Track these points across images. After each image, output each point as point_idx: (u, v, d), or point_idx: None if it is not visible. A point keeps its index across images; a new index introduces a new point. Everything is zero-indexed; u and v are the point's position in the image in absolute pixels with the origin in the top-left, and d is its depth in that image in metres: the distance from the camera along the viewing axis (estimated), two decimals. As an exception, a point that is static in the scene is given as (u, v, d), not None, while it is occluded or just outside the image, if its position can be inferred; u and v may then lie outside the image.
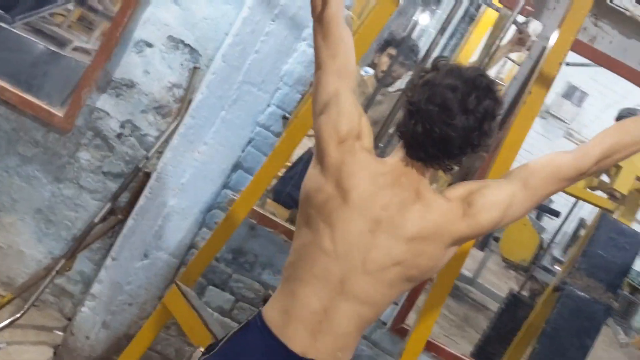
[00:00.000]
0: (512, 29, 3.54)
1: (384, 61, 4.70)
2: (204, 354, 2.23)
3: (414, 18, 5.55)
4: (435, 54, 3.74)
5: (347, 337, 2.07)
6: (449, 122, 2.00)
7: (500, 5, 4.30)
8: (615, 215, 5.59)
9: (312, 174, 2.13)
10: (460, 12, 3.93)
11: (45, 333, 3.72)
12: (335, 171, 2.06)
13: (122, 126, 3.70)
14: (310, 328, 2.03)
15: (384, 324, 3.76)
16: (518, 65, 8.00)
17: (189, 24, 3.64)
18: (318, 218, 2.06)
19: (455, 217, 2.05)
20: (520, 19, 3.74)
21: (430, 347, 3.72)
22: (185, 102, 3.66)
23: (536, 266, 6.82)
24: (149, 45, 3.65)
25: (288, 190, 4.37)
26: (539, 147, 10.95)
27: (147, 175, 3.67)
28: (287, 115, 3.67)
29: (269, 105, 3.67)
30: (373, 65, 4.83)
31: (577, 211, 6.89)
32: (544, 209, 6.96)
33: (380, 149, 3.96)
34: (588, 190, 5.71)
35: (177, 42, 3.65)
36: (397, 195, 2.04)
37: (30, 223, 3.79)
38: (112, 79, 3.66)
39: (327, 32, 2.18)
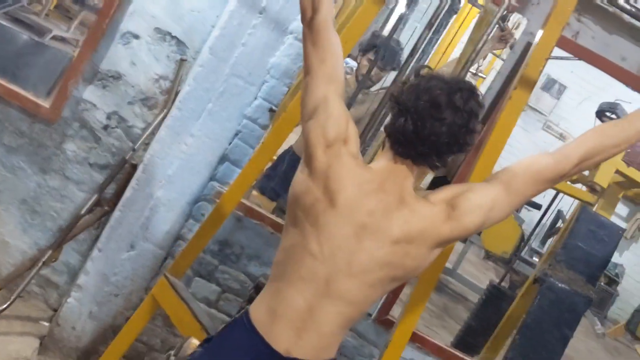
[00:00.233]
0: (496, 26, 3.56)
1: (364, 64, 4.75)
2: (199, 346, 2.26)
3: (398, 12, 5.56)
4: (421, 48, 3.76)
5: (330, 336, 2.12)
6: (439, 116, 2.07)
7: (482, 3, 4.34)
8: (595, 208, 5.68)
9: (300, 177, 2.17)
10: (446, 5, 3.95)
11: (31, 324, 3.72)
12: (323, 175, 2.11)
13: (109, 118, 3.69)
14: (295, 327, 2.08)
15: (369, 315, 3.79)
16: (498, 57, 8.07)
17: (175, 16, 3.64)
18: (305, 220, 2.11)
19: (439, 221, 2.11)
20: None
21: (414, 338, 3.76)
22: (172, 94, 3.67)
23: (518, 259, 6.90)
24: (136, 36, 3.65)
25: (272, 185, 4.41)
26: (518, 139, 11.04)
27: (134, 167, 3.67)
28: (273, 108, 3.69)
29: (255, 98, 3.68)
30: (357, 65, 4.88)
31: (555, 203, 6.96)
32: (532, 204, 7.03)
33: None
34: (568, 183, 5.78)
35: (163, 34, 3.65)
36: (382, 201, 2.10)
37: (15, 214, 3.78)
38: (99, 70, 3.66)
39: (317, 38, 2.22)
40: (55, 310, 3.81)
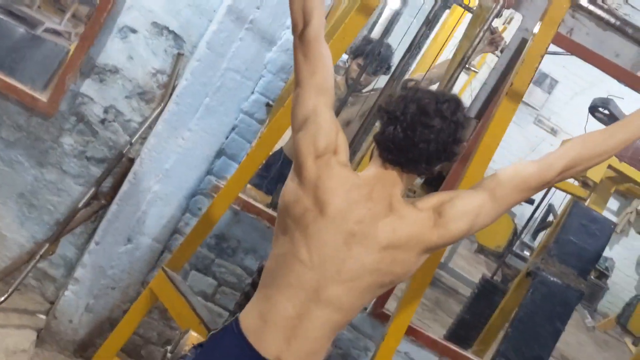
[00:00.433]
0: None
1: (354, 69, 4.77)
2: (190, 351, 2.29)
3: (388, 12, 5.57)
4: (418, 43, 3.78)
5: (319, 341, 2.17)
6: (428, 124, 2.14)
7: (467, 2, 4.38)
8: (587, 203, 5.72)
9: (290, 186, 2.22)
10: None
11: (28, 317, 3.74)
12: (313, 185, 2.15)
13: (106, 112, 3.71)
14: (285, 333, 2.12)
15: (365, 308, 3.82)
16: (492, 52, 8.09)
17: (173, 11, 3.65)
18: (295, 229, 2.16)
19: (426, 227, 2.17)
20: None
21: (409, 331, 3.79)
22: (169, 88, 3.68)
23: (510, 252, 6.94)
24: (133, 31, 3.66)
25: (267, 183, 4.43)
26: (509, 133, 11.03)
27: (131, 161, 3.69)
28: (270, 102, 3.71)
29: (252, 93, 3.70)
30: (346, 69, 4.89)
31: (547, 198, 7.00)
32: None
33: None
34: (560, 178, 5.81)
35: (161, 29, 3.67)
36: (370, 210, 2.14)
37: (13, 207, 3.79)
38: (96, 64, 3.67)
39: (308, 50, 2.25)
40: (52, 303, 3.83)
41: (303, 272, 2.13)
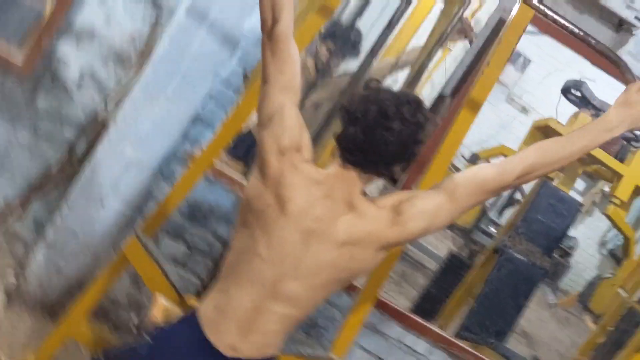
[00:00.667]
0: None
1: (323, 52, 4.76)
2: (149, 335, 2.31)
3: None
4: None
5: (274, 335, 2.21)
6: (388, 126, 2.16)
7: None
8: (555, 183, 5.80)
9: (253, 182, 2.24)
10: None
11: (-3, 277, 3.75)
12: (275, 182, 2.18)
13: (82, 74, 3.69)
14: (241, 326, 2.16)
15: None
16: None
17: (151, -25, 3.64)
18: (256, 224, 2.19)
19: (384, 225, 2.19)
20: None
21: (377, 303, 3.85)
22: (146, 54, 3.67)
23: (478, 229, 7.03)
24: (112, -6, 3.64)
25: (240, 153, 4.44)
26: (481, 111, 11.14)
27: (105, 125, 3.68)
28: (247, 73, 3.72)
29: (230, 62, 3.70)
30: (316, 51, 4.88)
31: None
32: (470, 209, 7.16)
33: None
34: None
35: (139, -7, 3.65)
36: (329, 208, 2.17)
37: (-16, 167, 3.78)
38: (73, 27, 3.64)
39: (276, 48, 2.26)
40: (22, 265, 3.83)
41: (261, 267, 2.16)
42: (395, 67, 4.79)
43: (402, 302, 6.35)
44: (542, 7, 2.68)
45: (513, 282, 4.84)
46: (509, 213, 8.55)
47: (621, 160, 5.97)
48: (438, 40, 3.37)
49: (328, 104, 4.65)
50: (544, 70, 11.97)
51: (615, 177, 6.17)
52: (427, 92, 9.72)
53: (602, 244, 13.55)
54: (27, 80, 3.66)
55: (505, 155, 5.91)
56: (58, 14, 3.57)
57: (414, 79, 3.70)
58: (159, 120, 3.66)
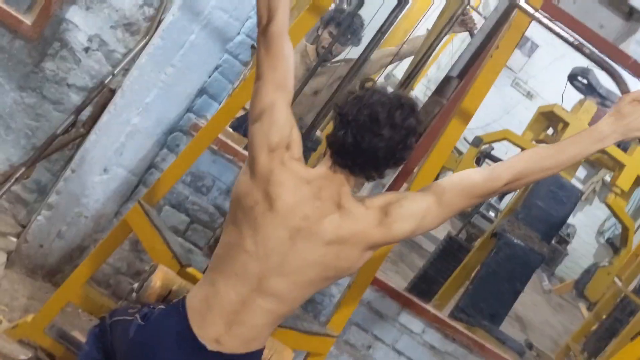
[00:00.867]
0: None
1: (325, 37, 4.75)
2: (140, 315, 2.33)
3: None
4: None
5: (259, 328, 2.25)
6: (377, 132, 2.18)
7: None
8: (557, 169, 5.79)
9: (243, 179, 2.26)
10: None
11: (-2, 238, 3.76)
12: (264, 179, 2.20)
13: (90, 40, 3.68)
14: (226, 318, 2.20)
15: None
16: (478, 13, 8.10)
17: (163, -58, 3.62)
18: (244, 220, 2.21)
19: (371, 225, 2.22)
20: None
21: (373, 281, 3.87)
22: (155, 21, 3.66)
23: (477, 213, 7.05)
24: (123, -40, 3.62)
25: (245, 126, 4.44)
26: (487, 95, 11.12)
27: (112, 92, 3.68)
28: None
29: (238, 34, 3.70)
30: (317, 37, 4.87)
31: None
32: (492, 159, 7.17)
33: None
34: (533, 142, 5.90)
35: (151, -40, 3.63)
36: (317, 207, 2.20)
37: (-11, 128, 3.78)
38: (83, -8, 3.63)
39: (270, 46, 2.29)
40: (24, 227, 3.84)
41: (248, 262, 2.19)
42: (397, 57, 4.79)
43: (399, 281, 6.39)
44: (537, 14, 2.68)
45: (510, 266, 4.88)
46: (509, 198, 8.58)
47: (624, 150, 5.98)
48: (440, 32, 3.37)
49: (328, 90, 4.65)
50: (551, 56, 11.93)
51: (617, 166, 6.17)
52: (432, 72, 9.73)
53: (600, 232, 13.60)
54: (35, 45, 3.65)
55: (509, 140, 5.91)
56: (68, -22, 3.56)
57: (416, 68, 3.68)
58: (165, 90, 3.66)
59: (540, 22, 2.85)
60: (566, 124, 5.51)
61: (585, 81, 5.43)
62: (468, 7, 3.89)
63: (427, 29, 4.90)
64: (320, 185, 2.22)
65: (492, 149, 7.30)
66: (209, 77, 3.75)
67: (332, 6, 4.78)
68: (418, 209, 2.25)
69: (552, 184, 4.99)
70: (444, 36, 3.41)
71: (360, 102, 2.20)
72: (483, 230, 6.43)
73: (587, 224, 13.39)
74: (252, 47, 3.71)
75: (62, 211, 3.72)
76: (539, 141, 5.90)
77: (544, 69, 12.37)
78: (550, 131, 6.00)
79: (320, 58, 4.54)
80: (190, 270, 2.91)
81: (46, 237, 3.74)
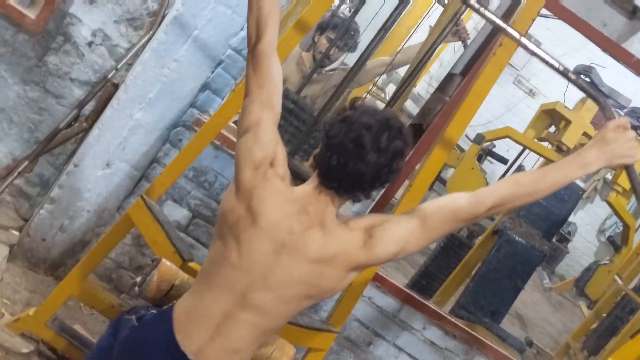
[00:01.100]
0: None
1: (323, 43, 4.74)
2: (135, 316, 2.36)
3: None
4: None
5: (242, 341, 2.25)
6: (362, 158, 2.17)
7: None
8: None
9: (228, 195, 2.28)
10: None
11: (0, 231, 3.75)
12: (248, 194, 2.21)
13: (94, 34, 3.68)
14: (210, 329, 2.21)
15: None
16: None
17: (167, -62, 3.62)
18: (229, 235, 2.23)
19: (354, 247, 2.22)
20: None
21: (375, 277, 3.88)
22: (159, 16, 3.66)
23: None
24: (126, -46, 3.62)
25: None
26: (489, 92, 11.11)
27: (115, 87, 3.69)
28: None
29: (242, 29, 3.70)
30: (313, 43, 4.87)
31: (520, 159, 7.09)
32: (494, 156, 7.17)
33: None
34: (536, 140, 5.90)
35: (154, -45, 3.63)
36: (303, 223, 2.20)
37: (-7, 122, 3.79)
38: (87, -15, 3.63)
39: (258, 64, 2.32)
40: (26, 221, 3.85)
41: (232, 275, 2.21)
42: (390, 66, 4.80)
43: (399, 278, 6.39)
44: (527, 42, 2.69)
45: (511, 263, 4.89)
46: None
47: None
48: (434, 42, 3.39)
49: (323, 98, 4.65)
50: (554, 54, 11.86)
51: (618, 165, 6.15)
52: (435, 69, 9.74)
53: (601, 231, 13.60)
54: (38, 39, 3.65)
55: (510, 137, 5.90)
56: (73, -28, 3.56)
57: (411, 76, 3.69)
58: (168, 85, 3.67)
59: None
60: (568, 122, 5.50)
61: (587, 79, 5.42)
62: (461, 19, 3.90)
63: (430, 26, 4.92)
64: (305, 202, 2.22)
65: (494, 146, 7.30)
66: (212, 72, 3.75)
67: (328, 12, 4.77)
68: (402, 232, 2.25)
69: (554, 182, 4.99)
70: (438, 45, 3.42)
71: (347, 124, 2.20)
72: (484, 227, 6.42)
73: (588, 222, 13.39)
74: (256, 42, 3.71)
75: (65, 205, 3.73)
76: (541, 139, 5.90)
77: (545, 66, 12.34)
78: (552, 129, 5.99)
79: (317, 62, 4.53)
80: (192, 265, 2.92)
81: (48, 231, 3.75)
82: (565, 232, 12.15)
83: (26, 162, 3.67)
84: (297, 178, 2.52)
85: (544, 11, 3.84)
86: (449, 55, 8.77)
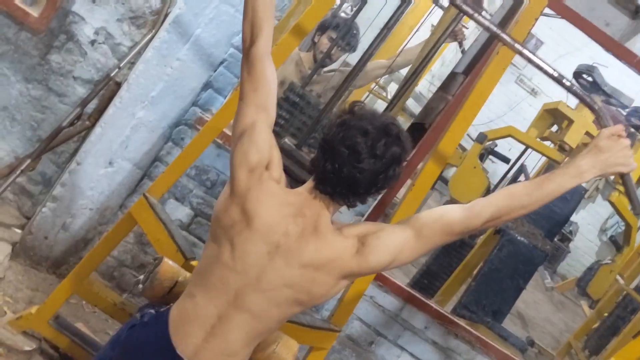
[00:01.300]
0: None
1: (324, 43, 4.72)
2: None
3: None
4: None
5: (237, 343, 2.24)
6: (356, 165, 2.16)
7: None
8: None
9: (223, 197, 2.28)
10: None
11: (3, 230, 3.76)
12: (242, 197, 2.21)
13: (96, 33, 3.68)
14: (204, 331, 2.21)
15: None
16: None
17: (170, -64, 3.62)
18: (223, 237, 2.22)
19: (347, 254, 2.21)
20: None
21: (377, 277, 3.89)
22: (161, 15, 3.67)
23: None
24: (129, -47, 3.63)
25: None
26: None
27: (118, 85, 3.69)
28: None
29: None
30: (313, 44, 4.86)
31: (523, 158, 7.08)
32: (496, 155, 7.15)
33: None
34: (538, 140, 5.89)
35: (157, -46, 3.63)
36: (298, 225, 2.20)
37: (-5, 120, 3.79)
38: (89, -16, 3.63)
39: (252, 68, 2.32)
40: (29, 219, 3.85)
41: (226, 276, 2.20)
42: (389, 69, 4.80)
43: (401, 277, 6.39)
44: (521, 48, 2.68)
45: (513, 263, 4.88)
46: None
47: (627, 148, 5.94)
48: (436, 42, 3.39)
49: (323, 98, 4.64)
50: (556, 53, 11.88)
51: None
52: (437, 68, 9.73)
53: (602, 230, 13.58)
54: (41, 37, 3.65)
55: (513, 137, 5.89)
56: (75, -30, 3.56)
57: (413, 75, 3.69)
58: (170, 83, 3.67)
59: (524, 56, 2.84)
60: (571, 122, 5.48)
61: (590, 78, 5.41)
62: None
63: (432, 25, 4.92)
64: (301, 205, 2.22)
65: (496, 145, 7.29)
66: (214, 71, 3.76)
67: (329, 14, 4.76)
68: (395, 242, 2.24)
69: (556, 182, 4.98)
70: (440, 45, 3.42)
71: (344, 129, 2.18)
72: (486, 226, 6.42)
73: (589, 222, 13.38)
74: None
75: (67, 203, 3.73)
76: (543, 138, 5.88)
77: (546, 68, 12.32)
78: (554, 128, 5.98)
79: (319, 62, 4.52)
80: (194, 263, 2.93)
81: (51, 229, 3.75)
82: (567, 231, 12.14)
83: (29, 160, 3.67)
84: (298, 181, 2.53)
85: (547, 10, 3.84)
86: (451, 54, 8.77)
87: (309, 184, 2.25)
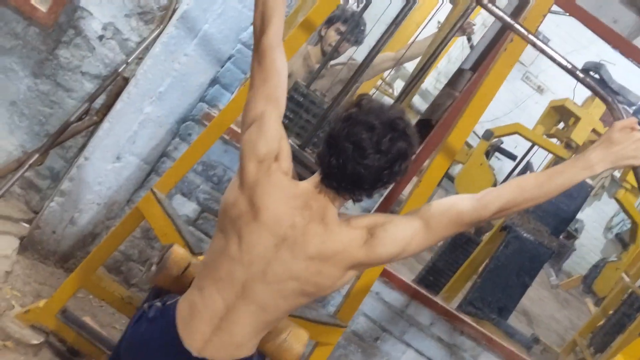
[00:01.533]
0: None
1: (331, 35, 4.71)
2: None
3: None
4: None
5: (245, 336, 2.26)
6: (361, 161, 2.16)
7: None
8: (567, 164, 5.78)
9: (231, 189, 2.28)
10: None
11: (11, 224, 3.77)
12: (250, 188, 2.21)
13: (105, 28, 3.69)
14: (212, 324, 2.22)
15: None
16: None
17: None
18: (231, 229, 2.23)
19: (355, 245, 2.21)
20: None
21: (383, 273, 3.90)
22: (169, 10, 3.67)
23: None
24: (137, -52, 3.63)
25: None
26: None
27: (126, 80, 3.70)
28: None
29: (252, 24, 3.70)
30: (320, 37, 4.86)
31: (529, 155, 7.08)
32: (502, 152, 7.16)
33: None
34: (544, 137, 5.89)
35: (165, -51, 3.64)
36: (305, 218, 2.20)
37: (4, 114, 3.79)
38: (98, -21, 3.64)
39: (262, 58, 2.32)
40: (36, 213, 3.87)
41: (233, 269, 2.21)
42: (398, 62, 4.79)
43: (407, 273, 6.39)
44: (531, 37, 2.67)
45: (519, 260, 4.88)
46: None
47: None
48: (444, 38, 3.39)
49: (331, 92, 4.64)
50: (563, 50, 11.73)
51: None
52: (443, 65, 9.73)
53: (608, 228, 13.56)
54: (49, 32, 3.66)
55: (519, 134, 5.90)
56: (84, -34, 3.57)
57: (420, 72, 3.69)
58: (178, 79, 3.68)
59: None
60: (577, 119, 5.49)
61: (597, 76, 5.41)
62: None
63: (439, 22, 4.92)
64: (308, 198, 2.22)
65: (502, 142, 7.30)
66: (222, 67, 3.76)
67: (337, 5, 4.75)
68: (404, 234, 2.23)
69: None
70: (448, 41, 3.43)
71: (350, 123, 2.17)
72: (492, 223, 6.43)
73: (595, 220, 13.35)
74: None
75: (75, 198, 3.74)
76: (549, 135, 5.89)
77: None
78: (561, 125, 5.99)
79: (328, 56, 4.52)
80: (201, 258, 2.93)
81: (59, 224, 3.77)
82: (572, 229, 12.12)
83: (37, 155, 3.68)
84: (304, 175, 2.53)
85: (554, 7, 3.84)
86: (458, 50, 8.75)
87: (316, 177, 2.26)
